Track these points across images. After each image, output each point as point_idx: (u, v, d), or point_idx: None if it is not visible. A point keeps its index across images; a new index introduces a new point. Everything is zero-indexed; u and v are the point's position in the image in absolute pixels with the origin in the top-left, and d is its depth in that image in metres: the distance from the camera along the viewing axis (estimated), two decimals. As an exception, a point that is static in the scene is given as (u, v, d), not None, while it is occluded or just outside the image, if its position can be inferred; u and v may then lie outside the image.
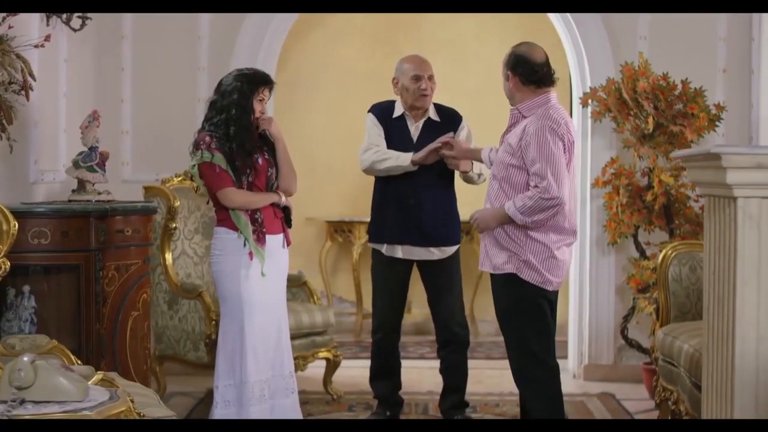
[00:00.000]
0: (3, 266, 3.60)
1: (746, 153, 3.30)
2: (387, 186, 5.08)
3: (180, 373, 5.90)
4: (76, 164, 5.02)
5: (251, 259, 4.33)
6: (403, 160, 4.96)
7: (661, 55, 6.21)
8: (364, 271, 7.79)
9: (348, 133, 7.60)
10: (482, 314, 7.99)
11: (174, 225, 5.50)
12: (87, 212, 4.60)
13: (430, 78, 5.07)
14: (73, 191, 5.03)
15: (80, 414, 2.70)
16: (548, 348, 4.25)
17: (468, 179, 5.07)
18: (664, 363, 4.77)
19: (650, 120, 5.96)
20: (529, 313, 4.19)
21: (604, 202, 6.20)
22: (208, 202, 4.60)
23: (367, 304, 7.66)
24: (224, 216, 4.39)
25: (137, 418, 2.93)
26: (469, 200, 5.32)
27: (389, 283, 5.16)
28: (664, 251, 5.09)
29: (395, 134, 5.10)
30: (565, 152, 4.11)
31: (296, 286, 5.91)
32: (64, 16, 5.40)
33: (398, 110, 5.13)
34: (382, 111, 5.16)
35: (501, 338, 4.49)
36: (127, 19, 6.35)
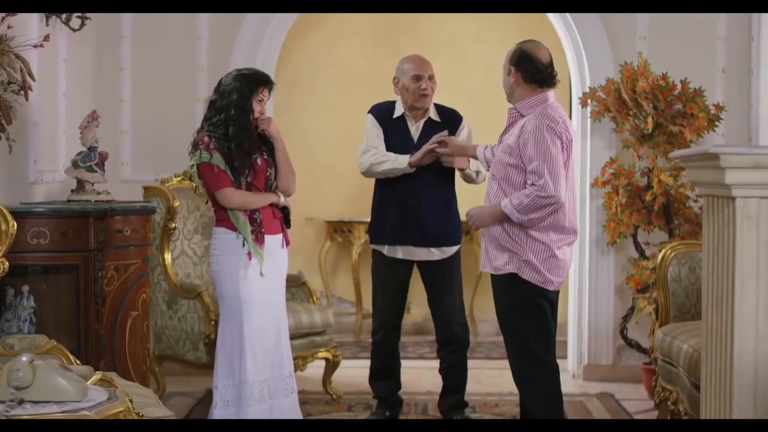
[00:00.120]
0: (2, 266, 3.60)
1: (744, 153, 3.30)
2: (387, 187, 5.08)
3: (179, 373, 5.90)
4: (75, 164, 5.02)
5: (250, 259, 4.33)
6: (400, 162, 4.97)
7: (661, 55, 6.21)
8: (363, 271, 7.80)
9: (347, 133, 7.60)
10: (482, 314, 7.99)
11: (173, 225, 5.50)
12: (86, 212, 4.60)
13: (431, 78, 5.07)
14: (73, 191, 5.03)
15: (79, 414, 2.70)
16: (548, 348, 4.25)
17: (466, 177, 5.07)
18: (663, 363, 4.77)
19: (649, 120, 5.96)
20: (529, 313, 4.19)
21: (604, 202, 6.20)
22: (207, 202, 4.60)
23: (367, 304, 7.66)
24: (223, 216, 4.39)
25: (136, 418, 2.93)
26: (470, 200, 5.31)
27: (389, 283, 5.16)
28: (663, 251, 5.09)
29: (395, 134, 5.10)
30: (563, 151, 4.11)
31: (295, 286, 5.91)
32: (64, 16, 5.40)
33: (398, 110, 5.13)
34: (381, 111, 5.17)
35: (501, 338, 4.49)
36: (127, 19, 6.35)
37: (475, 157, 4.74)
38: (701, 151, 3.46)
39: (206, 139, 4.34)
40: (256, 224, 4.36)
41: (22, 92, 4.55)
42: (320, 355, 5.76)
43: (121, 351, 4.70)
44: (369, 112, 5.20)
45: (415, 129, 5.10)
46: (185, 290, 5.42)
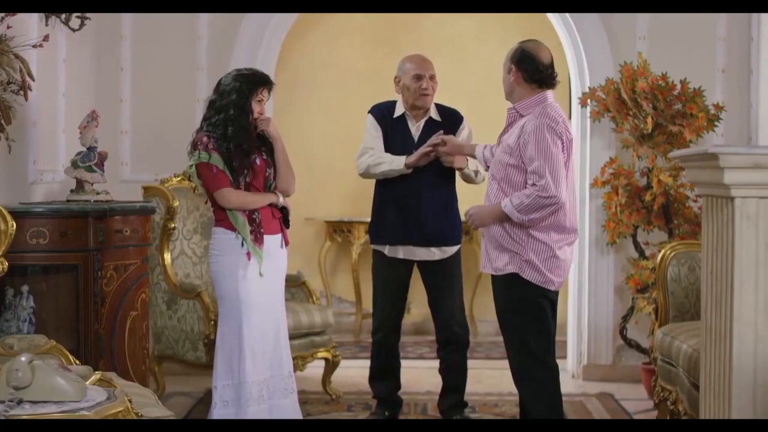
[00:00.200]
0: (1, 266, 3.61)
1: (743, 153, 3.30)
2: (388, 187, 5.08)
3: (179, 373, 5.90)
4: (74, 164, 5.02)
5: (249, 259, 4.33)
6: (397, 164, 4.98)
7: (660, 55, 6.21)
8: (363, 271, 7.80)
9: (347, 133, 7.60)
10: (482, 314, 7.99)
11: (173, 225, 5.50)
12: (85, 212, 4.60)
13: (432, 78, 5.07)
14: (72, 191, 5.03)
15: (78, 414, 2.69)
16: (548, 348, 4.24)
17: (465, 177, 5.07)
18: (662, 363, 4.77)
19: (649, 120, 5.96)
20: (530, 313, 4.18)
21: (603, 202, 6.20)
22: (206, 202, 4.60)
23: (367, 304, 7.66)
24: (222, 216, 4.39)
25: (135, 418, 2.93)
26: (470, 200, 5.31)
27: (390, 283, 5.16)
28: (663, 251, 5.08)
29: (396, 134, 5.10)
30: (563, 150, 4.11)
31: (295, 286, 5.92)
32: (63, 16, 5.40)
33: (399, 110, 5.13)
34: (381, 111, 5.17)
35: (500, 338, 4.49)
36: (126, 19, 6.35)
37: (474, 156, 4.74)
38: (700, 151, 3.46)
39: (205, 139, 4.34)
40: (255, 224, 4.36)
41: (22, 92, 4.55)
42: (320, 355, 5.76)
43: (120, 351, 4.70)
44: (369, 112, 5.21)
45: (415, 128, 5.11)
46: (185, 290, 5.42)
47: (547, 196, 4.03)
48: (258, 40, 6.42)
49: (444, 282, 5.13)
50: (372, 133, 5.12)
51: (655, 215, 6.05)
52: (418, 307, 7.46)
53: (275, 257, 4.45)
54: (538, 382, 4.24)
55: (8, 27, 4.45)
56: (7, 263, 3.66)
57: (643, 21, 6.31)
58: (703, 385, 3.66)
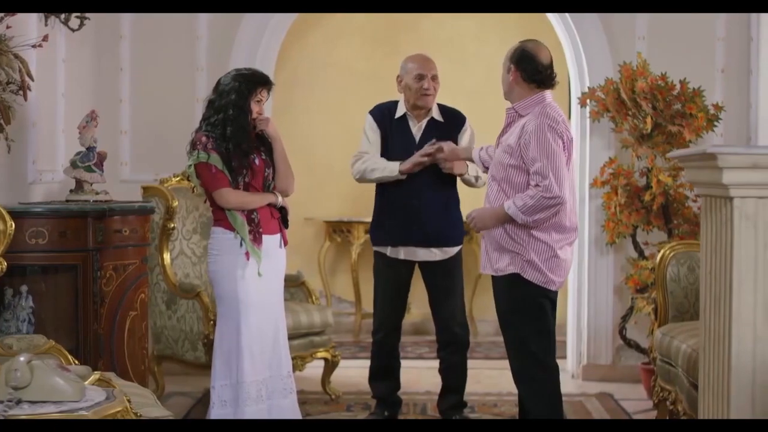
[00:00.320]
0: (0, 266, 3.61)
1: (742, 153, 3.29)
2: (389, 188, 5.07)
3: (179, 373, 5.90)
4: (73, 164, 5.03)
5: (248, 259, 4.33)
6: (390, 170, 4.98)
7: (660, 55, 6.21)
8: (362, 271, 7.80)
9: (347, 133, 7.58)
10: (481, 314, 7.99)
11: (172, 225, 5.50)
12: (85, 212, 4.60)
13: (434, 78, 5.06)
14: (71, 191, 5.03)
15: (77, 414, 2.70)
16: (548, 348, 4.24)
17: (466, 182, 5.08)
18: (662, 363, 4.77)
19: (648, 120, 5.96)
20: (530, 313, 4.18)
21: (603, 202, 6.20)
22: (205, 202, 4.60)
23: (366, 305, 7.67)
24: (221, 216, 4.39)
25: (134, 418, 2.93)
26: (471, 200, 5.31)
27: (391, 283, 5.16)
28: (662, 251, 5.08)
29: (396, 135, 5.09)
30: (564, 150, 4.11)
31: (294, 286, 5.92)
32: (63, 16, 5.40)
33: (401, 110, 5.13)
34: (381, 112, 5.16)
35: (500, 338, 4.49)
36: (126, 19, 6.35)
37: (471, 161, 4.74)
38: (699, 151, 3.46)
39: (204, 139, 4.34)
40: (254, 224, 4.36)
41: (21, 92, 4.56)
42: (319, 355, 5.76)
43: (119, 351, 4.70)
44: (369, 112, 5.20)
45: (417, 129, 5.10)
46: (184, 290, 5.42)
47: (551, 197, 4.02)
48: (257, 40, 6.42)
49: (445, 282, 5.12)
50: (369, 135, 5.12)
51: (655, 215, 6.05)
52: (418, 307, 7.46)
53: (274, 257, 4.45)
54: (538, 382, 4.24)
55: (8, 27, 4.46)
56: (6, 263, 3.67)
57: (642, 21, 6.31)
58: (702, 385, 3.65)
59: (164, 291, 5.51)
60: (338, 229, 8.11)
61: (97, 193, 5.00)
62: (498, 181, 4.21)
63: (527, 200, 4.05)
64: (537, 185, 4.05)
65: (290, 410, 4.49)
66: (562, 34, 6.53)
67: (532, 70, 4.19)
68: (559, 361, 4.35)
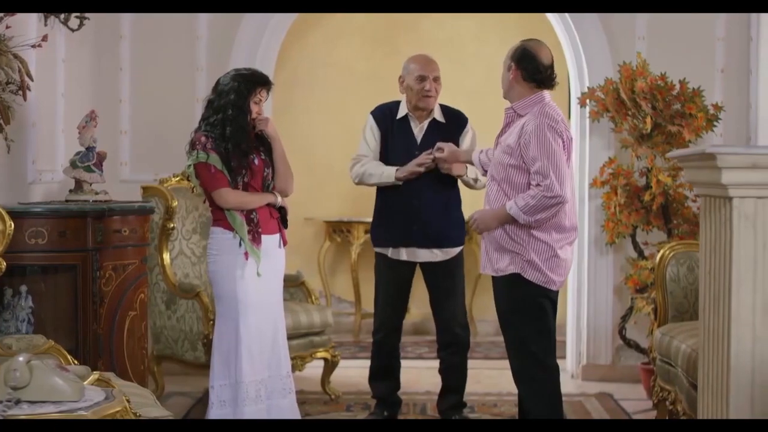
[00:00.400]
0: (0, 266, 3.61)
1: (741, 153, 3.29)
2: (390, 188, 5.07)
3: (178, 373, 5.90)
4: (73, 164, 5.03)
5: (247, 259, 4.33)
6: (387, 176, 5.00)
7: (659, 55, 6.21)
8: (362, 271, 7.80)
9: (347, 133, 7.58)
10: (481, 314, 7.99)
11: (172, 225, 5.50)
12: (84, 212, 4.60)
13: (436, 79, 5.06)
14: (71, 191, 5.03)
15: (76, 414, 2.70)
16: (548, 348, 4.24)
17: (465, 184, 5.08)
18: (661, 363, 4.77)
19: (648, 120, 5.96)
20: (530, 313, 4.18)
21: (602, 202, 6.20)
22: (205, 202, 4.60)
23: (366, 305, 7.67)
24: (220, 216, 4.39)
25: (133, 418, 2.93)
26: (472, 201, 5.32)
27: (392, 284, 5.16)
28: (661, 251, 5.08)
29: (397, 135, 5.09)
30: (564, 149, 4.11)
31: (294, 286, 5.91)
32: (62, 16, 5.40)
33: (402, 111, 5.12)
34: (383, 112, 5.16)
35: (499, 338, 4.50)
36: (126, 19, 6.35)
37: (471, 163, 4.74)
38: (698, 151, 3.46)
39: (203, 139, 4.34)
40: (253, 224, 4.36)
41: (21, 92, 4.56)
42: (319, 355, 5.76)
43: (119, 351, 4.70)
44: (371, 113, 5.20)
45: (418, 130, 5.10)
46: (184, 290, 5.42)
47: (552, 196, 4.03)
48: (257, 40, 6.42)
49: (446, 283, 5.12)
50: (367, 139, 5.12)
51: (654, 215, 6.05)
52: (417, 307, 7.46)
53: (273, 257, 4.45)
54: (538, 382, 4.24)
55: (7, 27, 4.46)
56: (5, 263, 3.67)
57: (642, 21, 6.31)
58: (701, 385, 3.66)
59: (164, 291, 5.51)
60: (338, 229, 8.11)
61: (96, 193, 5.00)
62: (498, 182, 4.21)
63: (529, 200, 4.05)
64: (538, 185, 4.05)
65: (289, 410, 4.49)
66: (562, 34, 6.53)
67: (532, 69, 4.19)
68: (558, 361, 4.34)
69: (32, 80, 4.65)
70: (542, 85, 4.22)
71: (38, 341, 3.66)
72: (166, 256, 5.51)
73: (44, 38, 4.71)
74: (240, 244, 4.33)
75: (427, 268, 5.13)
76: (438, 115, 5.11)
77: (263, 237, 4.38)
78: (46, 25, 5.22)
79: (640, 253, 6.12)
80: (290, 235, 4.64)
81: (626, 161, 6.18)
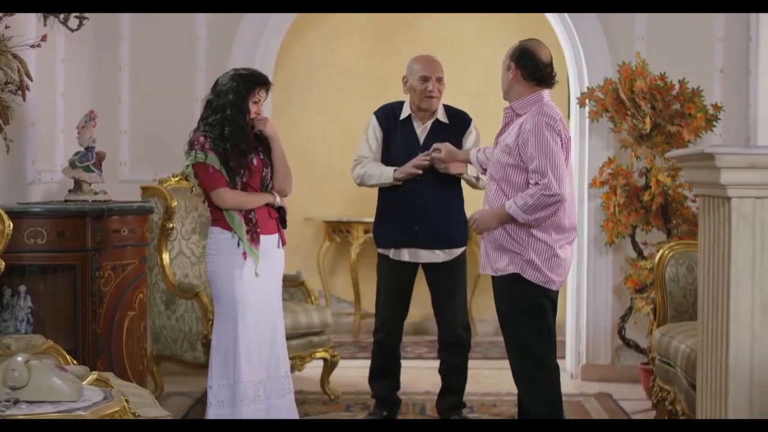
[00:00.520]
0: (-1, 266, 3.61)
1: (740, 153, 3.29)
2: (392, 189, 5.07)
3: (177, 373, 5.90)
4: (72, 164, 5.02)
5: (245, 259, 4.33)
6: (386, 177, 5.01)
7: (659, 55, 6.21)
8: (362, 271, 7.80)
9: (347, 133, 7.59)
10: (481, 314, 7.98)
11: (171, 225, 5.50)
12: (83, 212, 4.60)
13: (439, 80, 5.06)
14: (70, 191, 5.03)
15: (74, 414, 2.70)
16: (548, 348, 4.25)
17: (468, 182, 5.08)
18: (661, 363, 4.77)
19: (647, 120, 5.96)
20: (530, 313, 4.19)
21: (602, 202, 6.20)
22: (204, 202, 4.60)
23: (365, 305, 7.68)
24: (219, 216, 4.39)
25: (132, 418, 2.93)
26: (474, 201, 5.31)
27: (394, 285, 5.16)
28: (661, 251, 5.08)
29: (400, 136, 5.09)
30: (562, 148, 4.12)
31: (293, 286, 5.91)
32: (62, 16, 5.40)
33: (405, 111, 5.12)
34: (386, 113, 5.16)
35: (499, 338, 4.50)
36: (125, 19, 6.36)
37: (470, 162, 4.74)
38: (697, 151, 3.46)
39: (202, 139, 4.34)
40: (252, 224, 4.36)
41: (20, 92, 4.56)
42: (318, 355, 5.76)
43: (118, 351, 4.70)
44: (374, 113, 5.20)
45: (421, 130, 5.10)
46: (183, 290, 5.42)
47: (550, 194, 4.03)
48: (257, 40, 6.42)
49: (448, 284, 5.12)
50: (369, 140, 5.12)
51: (654, 215, 6.05)
52: (417, 307, 7.41)
53: (272, 257, 4.44)
54: (538, 382, 4.24)
55: (6, 27, 4.46)
56: (4, 263, 3.67)
57: (641, 21, 6.31)
58: (700, 385, 3.66)
59: (163, 291, 5.50)
60: (338, 229, 8.10)
61: (95, 193, 4.99)
62: (497, 181, 4.21)
63: (527, 199, 4.06)
64: (536, 183, 4.06)
65: (288, 410, 4.49)
66: (562, 34, 6.53)
67: (532, 67, 4.20)
68: (558, 361, 4.34)
69: (31, 80, 4.65)
70: (542, 84, 4.23)
71: (37, 341, 3.67)
72: (166, 256, 5.51)
73: (43, 38, 4.71)
74: (238, 244, 4.33)
75: (430, 268, 5.13)
76: (441, 115, 5.11)
77: (262, 237, 4.38)
78: (45, 25, 5.22)
79: (640, 253, 6.12)
80: (290, 235, 4.64)
81: (626, 161, 6.18)
